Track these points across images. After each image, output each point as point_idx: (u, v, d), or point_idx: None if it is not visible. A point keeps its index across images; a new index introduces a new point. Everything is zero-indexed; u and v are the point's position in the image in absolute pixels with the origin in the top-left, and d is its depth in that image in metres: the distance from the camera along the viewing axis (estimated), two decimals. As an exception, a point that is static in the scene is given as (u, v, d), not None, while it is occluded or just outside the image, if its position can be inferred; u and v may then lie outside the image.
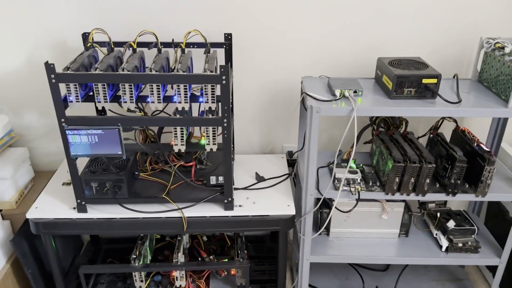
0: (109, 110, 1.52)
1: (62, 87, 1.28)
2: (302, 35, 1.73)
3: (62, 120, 1.32)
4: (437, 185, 1.49)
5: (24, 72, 1.78)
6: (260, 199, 1.58)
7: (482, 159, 1.41)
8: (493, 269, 1.70)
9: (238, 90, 1.80)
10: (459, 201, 2.03)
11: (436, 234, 1.66)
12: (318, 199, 1.52)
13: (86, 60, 1.38)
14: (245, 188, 1.64)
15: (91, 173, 1.49)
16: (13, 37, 1.71)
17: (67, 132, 1.33)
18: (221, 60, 1.63)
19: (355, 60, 1.77)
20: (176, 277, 1.61)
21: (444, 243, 1.61)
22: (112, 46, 1.48)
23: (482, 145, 1.46)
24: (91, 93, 1.36)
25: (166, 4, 1.67)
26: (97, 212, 1.50)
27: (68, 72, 1.27)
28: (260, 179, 1.69)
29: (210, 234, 1.94)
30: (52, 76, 1.25)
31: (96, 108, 1.61)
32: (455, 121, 1.58)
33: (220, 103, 1.35)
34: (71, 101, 1.32)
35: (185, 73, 1.29)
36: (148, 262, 1.68)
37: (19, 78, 1.79)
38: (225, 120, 1.35)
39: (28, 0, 1.65)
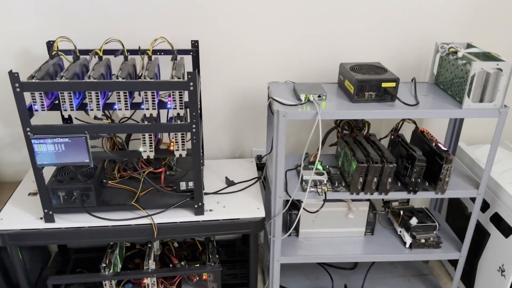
0: (75, 118, 1.52)
1: (27, 96, 1.27)
2: (268, 42, 1.78)
3: (28, 129, 1.30)
4: (399, 184, 1.56)
5: (-14, 81, 1.74)
6: (230, 203, 1.60)
7: (440, 158, 1.48)
8: (454, 262, 1.78)
9: (207, 96, 1.82)
10: (421, 198, 2.12)
11: (400, 231, 1.73)
12: (287, 201, 1.56)
13: (51, 68, 1.37)
14: (215, 193, 1.66)
15: (58, 182, 1.47)
16: (-26, 45, 1.68)
17: (32, 141, 1.31)
18: (188, 67, 1.65)
19: (319, 66, 1.82)
20: (148, 284, 1.61)
21: (408, 239, 1.68)
22: (78, 54, 1.48)
23: (440, 145, 1.53)
24: (57, 102, 1.35)
25: (133, 12, 1.68)
26: (65, 221, 1.48)
27: (33, 81, 1.26)
28: (230, 183, 1.72)
29: (181, 240, 1.94)
30: (17, 85, 1.24)
31: (62, 116, 1.60)
32: (414, 122, 1.66)
33: (188, 109, 1.36)
34: (37, 110, 1.31)
35: (152, 80, 1.30)
36: (119, 271, 1.67)
37: (-19, 87, 1.75)
38: (193, 126, 1.37)
39: (-10, 7, 1.62)
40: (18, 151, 1.89)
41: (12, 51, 1.70)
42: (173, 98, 1.34)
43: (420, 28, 1.79)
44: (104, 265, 1.57)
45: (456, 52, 1.51)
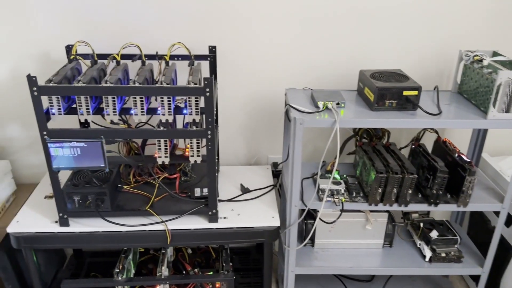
0: (92, 122, 1.52)
1: (45, 99, 1.28)
2: (286, 47, 1.75)
3: (44, 132, 1.31)
4: (420, 196, 1.51)
5: (7, 84, 1.76)
6: (245, 211, 1.58)
7: (463, 169, 1.43)
8: (476, 278, 1.71)
9: (223, 102, 1.81)
10: (441, 211, 2.05)
11: (420, 244, 1.67)
12: (302, 210, 1.52)
13: (69, 72, 1.37)
14: (229, 200, 1.63)
15: (73, 186, 1.47)
16: (-4, 48, 1.71)
17: (49, 145, 1.31)
18: (205, 72, 1.64)
19: (338, 73, 1.79)
20: (160, 291, 1.60)
21: (428, 253, 1.62)
22: (96, 58, 1.48)
23: (463, 156, 1.48)
24: (74, 106, 1.35)
25: (151, 17, 1.68)
26: (79, 225, 1.48)
27: (50, 84, 1.26)
28: (245, 190, 1.69)
29: (195, 247, 1.93)
30: (34, 88, 1.24)
31: (80, 120, 1.60)
32: (436, 132, 1.61)
33: (204, 115, 1.35)
34: (54, 114, 1.31)
35: (168, 85, 1.29)
36: (132, 276, 1.66)
37: (2, 90, 1.77)
38: (209, 132, 1.35)
39: (13, 11, 1.64)
40: (36, 154, 1.91)
41: (33, 55, 1.72)
42: (189, 104, 1.33)
43: (443, 35, 1.74)
44: (117, 270, 1.56)
45: (481, 60, 1.46)
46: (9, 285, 1.62)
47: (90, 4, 1.65)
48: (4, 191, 1.77)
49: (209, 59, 1.62)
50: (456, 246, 1.63)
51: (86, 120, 1.32)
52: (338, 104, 1.41)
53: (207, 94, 1.29)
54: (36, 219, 1.52)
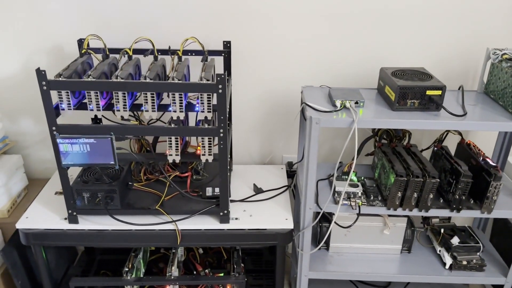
0: (104, 117, 1.50)
1: (54, 94, 1.25)
2: (304, 43, 1.69)
3: (54, 128, 1.28)
4: (441, 201, 1.43)
5: (20, 78, 1.75)
6: (257, 212, 1.53)
7: (488, 174, 1.35)
8: (499, 288, 1.63)
9: (237, 99, 1.76)
10: (464, 216, 1.97)
11: (440, 250, 1.60)
12: (317, 213, 1.47)
13: (79, 67, 1.34)
14: (242, 200, 1.59)
15: (83, 183, 1.44)
16: (10, 42, 1.69)
17: (58, 140, 1.29)
18: (219, 68, 1.60)
19: (357, 70, 1.72)
20: (170, 291, 1.56)
21: (448, 260, 1.55)
22: (107, 52, 1.45)
23: (488, 160, 1.40)
24: (85, 101, 1.32)
25: (164, 11, 1.63)
26: (88, 223, 1.45)
27: (60, 79, 1.23)
28: (258, 190, 1.65)
29: (207, 246, 1.89)
30: (44, 83, 1.22)
31: (95, 116, 1.57)
32: (460, 134, 1.53)
33: (216, 113, 1.30)
34: (63, 109, 1.28)
35: (180, 82, 1.25)
36: (141, 275, 1.63)
37: (15, 84, 1.75)
38: (221, 130, 1.31)
39: (26, 5, 1.62)
40: (49, 149, 1.89)
41: (45, 48, 1.70)
42: (201, 101, 1.28)
43: (469, 32, 1.66)
44: (127, 269, 1.53)
45: (510, 59, 1.38)
46: (19, 281, 1.60)
47: (103, -3, 1.62)
48: (15, 185, 1.76)
49: (223, 54, 1.57)
50: (478, 254, 1.56)
51: (96, 116, 1.29)
52: (356, 103, 1.35)
53: (220, 91, 1.25)
54: (45, 215, 1.50)
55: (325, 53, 1.70)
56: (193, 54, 1.53)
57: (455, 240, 1.56)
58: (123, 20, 1.64)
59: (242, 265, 1.62)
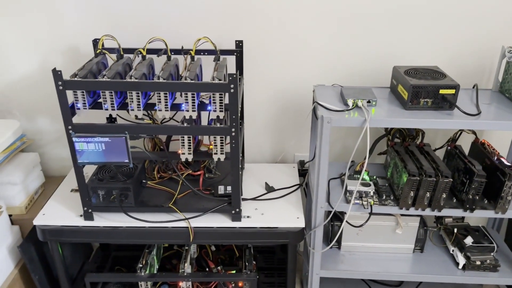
0: (118, 116, 1.52)
1: (70, 94, 1.27)
2: (315, 42, 1.69)
3: (69, 127, 1.31)
4: (454, 200, 1.42)
5: (36, 77, 1.78)
6: (269, 210, 1.54)
7: (503, 174, 1.34)
8: (513, 288, 1.62)
9: (249, 98, 1.77)
10: (478, 216, 1.95)
11: (453, 250, 1.59)
12: (329, 212, 1.47)
13: (94, 67, 1.37)
14: (254, 199, 1.60)
15: (98, 180, 1.47)
16: (26, 42, 1.72)
17: (74, 139, 1.31)
18: (232, 68, 1.61)
19: (370, 69, 1.71)
20: (183, 288, 1.58)
21: (461, 260, 1.54)
22: (122, 52, 1.47)
23: (502, 159, 1.39)
24: (100, 100, 1.34)
25: (177, 11, 1.65)
26: (103, 220, 1.48)
27: (75, 79, 1.26)
28: (269, 189, 1.65)
29: (219, 244, 1.90)
30: (60, 83, 1.24)
31: (110, 115, 1.60)
32: (474, 133, 1.52)
33: (228, 112, 1.31)
34: (79, 108, 1.31)
35: (192, 81, 1.26)
36: (155, 272, 1.66)
37: (31, 83, 1.79)
38: (233, 130, 1.32)
39: (42, 6, 1.65)
40: (65, 147, 1.90)
41: (61, 49, 1.73)
42: (213, 100, 1.30)
43: (484, 29, 1.63)
44: (141, 265, 1.56)
45: (526, 57, 1.36)
46: (36, 276, 1.64)
47: (117, -2, 1.64)
48: (33, 183, 1.80)
49: (235, 54, 1.58)
50: (492, 254, 1.54)
51: (111, 115, 1.32)
52: (369, 102, 1.35)
53: (232, 90, 1.26)
54: (62, 212, 1.53)
55: (337, 52, 1.70)
56: (206, 53, 1.54)
57: (468, 240, 1.55)
58: (136, 21, 1.66)
59: (254, 262, 1.64)
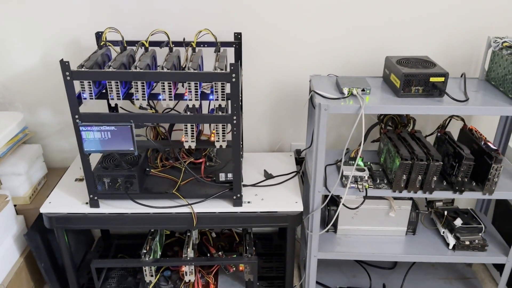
0: (120, 107, 1.57)
1: (76, 84, 1.32)
2: (311, 34, 1.76)
3: (76, 116, 1.35)
4: (445, 183, 1.50)
5: (39, 71, 1.82)
6: (268, 196, 1.60)
7: (489, 157, 1.42)
8: (500, 267, 1.70)
9: (247, 89, 1.83)
10: (466, 200, 2.04)
11: (443, 232, 1.67)
12: (325, 197, 1.54)
13: (99, 58, 1.41)
14: (253, 185, 1.66)
15: (103, 168, 1.52)
16: (28, 36, 1.76)
17: (80, 128, 1.36)
18: (230, 59, 1.66)
19: (363, 60, 1.78)
20: (186, 272, 1.64)
21: (451, 241, 1.62)
22: (125, 45, 1.52)
23: (489, 144, 1.47)
24: (104, 91, 1.39)
25: (178, 4, 1.70)
26: (109, 207, 1.53)
27: (83, 69, 1.30)
28: (268, 176, 1.72)
29: (219, 231, 1.97)
30: (67, 73, 1.29)
31: (109, 105, 1.65)
32: (462, 120, 1.59)
33: (229, 101, 1.37)
34: (85, 98, 1.35)
35: (196, 71, 1.32)
36: (158, 257, 1.71)
37: (34, 76, 1.83)
38: (234, 118, 1.38)
39: (44, 0, 1.69)
40: (66, 139, 1.97)
41: (63, 42, 1.77)
42: (215, 89, 1.35)
43: (471, 21, 1.72)
44: (145, 251, 1.61)
45: (510, 47, 1.44)
46: (42, 264, 1.68)
47: (118, -8, 1.68)
48: (36, 173, 1.84)
49: (234, 46, 1.64)
50: (480, 234, 1.62)
51: (116, 105, 1.36)
52: (363, 90, 1.42)
53: (233, 79, 1.31)
54: (67, 200, 1.58)
55: (332, 43, 1.77)
56: (206, 45, 1.59)
57: (458, 222, 1.63)
58: (138, 14, 1.71)
59: (254, 247, 1.70)
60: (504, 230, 1.73)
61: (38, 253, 1.68)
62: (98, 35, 1.59)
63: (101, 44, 1.51)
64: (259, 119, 1.94)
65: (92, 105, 1.38)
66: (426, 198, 1.78)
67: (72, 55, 1.77)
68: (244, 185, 1.62)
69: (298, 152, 1.93)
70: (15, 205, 1.74)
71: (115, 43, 1.53)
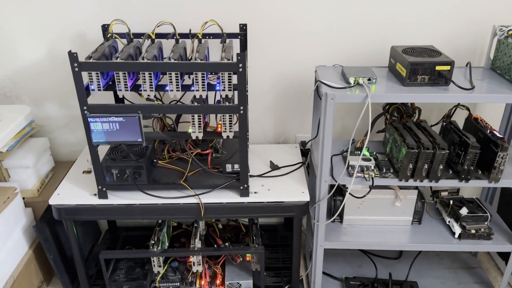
0: (126, 100, 1.58)
1: (84, 76, 1.33)
2: (316, 25, 1.76)
3: (85, 108, 1.36)
4: (450, 172, 1.51)
5: (45, 64, 1.83)
6: (275, 186, 1.61)
7: (495, 145, 1.42)
8: (505, 256, 1.71)
9: (252, 81, 1.83)
10: (471, 190, 2.05)
11: (449, 221, 1.68)
12: (331, 187, 1.55)
13: (107, 50, 1.42)
14: (260, 176, 1.67)
15: (111, 160, 1.53)
16: (34, 29, 1.77)
17: (89, 119, 1.37)
18: (236, 51, 1.66)
19: (368, 50, 1.79)
20: (193, 263, 1.65)
21: (457, 230, 1.62)
22: (132, 37, 1.52)
23: (495, 132, 1.47)
24: (111, 83, 1.40)
25: (183, -4, 1.70)
26: (117, 198, 1.54)
27: (91, 61, 1.31)
28: (274, 167, 1.73)
29: (225, 223, 1.98)
30: (75, 64, 1.29)
31: (116, 97, 1.66)
32: (467, 109, 1.60)
33: (236, 92, 1.38)
34: (93, 90, 1.36)
35: (203, 61, 1.32)
36: (166, 248, 1.72)
37: (40, 70, 1.84)
38: (241, 108, 1.38)
39: (49, -7, 1.70)
40: (73, 132, 1.98)
41: (69, 35, 1.77)
42: (222, 80, 1.36)
43: (476, 10, 1.72)
44: (153, 242, 1.62)
45: (516, 35, 1.44)
46: (51, 255, 1.70)
47: (124, -15, 1.69)
48: (43, 167, 1.85)
49: (239, 37, 1.64)
50: (486, 223, 1.63)
51: (122, 96, 1.37)
52: (369, 79, 1.42)
53: (240, 69, 1.32)
54: (76, 192, 1.59)
55: (337, 34, 1.77)
56: (212, 37, 1.60)
57: (463, 211, 1.64)
58: (144, 5, 1.71)
59: (260, 238, 1.71)
60: (509, 218, 1.74)
61: (47, 245, 1.70)
62: (105, 28, 1.60)
63: (108, 36, 1.52)
64: (264, 111, 1.95)
65: (98, 97, 1.39)
66: (431, 188, 1.79)
67: (78, 48, 1.75)
68: (251, 176, 1.63)
69: (303, 143, 1.94)
70: (23, 198, 1.75)
71: (121, 35, 1.54)
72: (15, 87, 1.87)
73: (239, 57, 1.30)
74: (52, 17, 1.74)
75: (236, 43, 1.65)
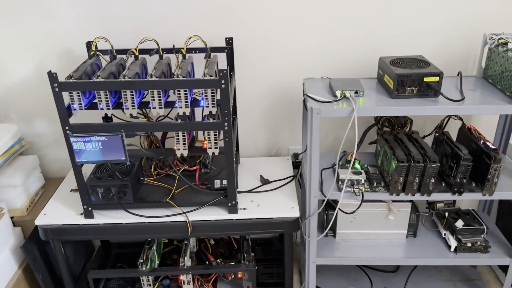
0: (113, 115, 1.56)
1: (67, 95, 1.31)
2: (304, 37, 1.73)
3: (67, 128, 1.34)
4: (443, 185, 1.47)
5: (33, 81, 1.82)
6: (264, 202, 1.58)
7: (488, 157, 1.38)
8: (505, 268, 1.66)
9: (242, 93, 1.81)
10: (468, 200, 2.00)
11: (445, 234, 1.64)
12: (323, 201, 1.51)
13: (89, 68, 1.40)
14: (249, 191, 1.64)
15: (97, 179, 1.51)
16: (22, 47, 1.75)
17: (71, 139, 1.35)
18: (223, 65, 1.65)
19: (357, 61, 1.76)
20: (183, 281, 1.62)
21: (453, 243, 1.58)
22: (115, 53, 1.51)
23: (488, 143, 1.43)
24: (95, 101, 1.38)
25: (168, 11, 1.68)
26: (103, 217, 1.52)
27: (71, 80, 1.29)
28: (264, 181, 1.70)
29: (218, 238, 1.95)
30: (55, 85, 1.28)
31: (106, 115, 1.64)
32: (461, 119, 1.56)
33: (220, 107, 1.35)
34: (75, 109, 1.35)
35: (184, 78, 1.30)
36: (156, 266, 1.70)
37: (28, 87, 1.83)
38: (225, 124, 1.36)
39: (36, 10, 1.68)
40: (63, 149, 1.96)
41: (55, 52, 1.76)
42: (206, 96, 1.33)
43: (466, 18, 1.68)
44: (142, 261, 1.60)
45: (506, 44, 1.41)
46: (39, 276, 1.68)
47: (108, 0, 1.67)
48: (33, 185, 1.84)
49: (226, 51, 1.62)
50: (482, 236, 1.59)
51: (106, 114, 1.36)
52: (356, 92, 1.39)
53: (223, 86, 1.30)
54: (62, 211, 1.57)
55: (326, 45, 1.74)
56: (197, 51, 1.58)
57: (459, 223, 1.60)
58: (128, 22, 1.69)
59: (253, 254, 1.68)
60: (508, 230, 1.69)
61: (36, 265, 1.67)
62: (89, 45, 1.58)
63: (91, 53, 1.50)
64: (255, 124, 1.92)
65: (85, 115, 1.37)
66: (427, 200, 1.75)
67: (65, 65, 1.77)
68: (240, 192, 1.60)
69: (295, 155, 1.91)
70: (12, 217, 1.73)
71: (105, 52, 1.52)
72: (3, 105, 1.86)
73: (221, 74, 1.28)
74: (39, 34, 1.73)
75: (223, 57, 1.63)
